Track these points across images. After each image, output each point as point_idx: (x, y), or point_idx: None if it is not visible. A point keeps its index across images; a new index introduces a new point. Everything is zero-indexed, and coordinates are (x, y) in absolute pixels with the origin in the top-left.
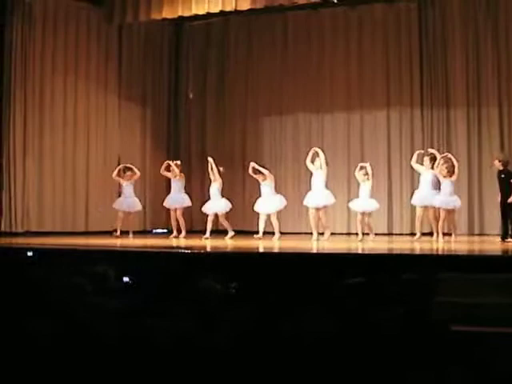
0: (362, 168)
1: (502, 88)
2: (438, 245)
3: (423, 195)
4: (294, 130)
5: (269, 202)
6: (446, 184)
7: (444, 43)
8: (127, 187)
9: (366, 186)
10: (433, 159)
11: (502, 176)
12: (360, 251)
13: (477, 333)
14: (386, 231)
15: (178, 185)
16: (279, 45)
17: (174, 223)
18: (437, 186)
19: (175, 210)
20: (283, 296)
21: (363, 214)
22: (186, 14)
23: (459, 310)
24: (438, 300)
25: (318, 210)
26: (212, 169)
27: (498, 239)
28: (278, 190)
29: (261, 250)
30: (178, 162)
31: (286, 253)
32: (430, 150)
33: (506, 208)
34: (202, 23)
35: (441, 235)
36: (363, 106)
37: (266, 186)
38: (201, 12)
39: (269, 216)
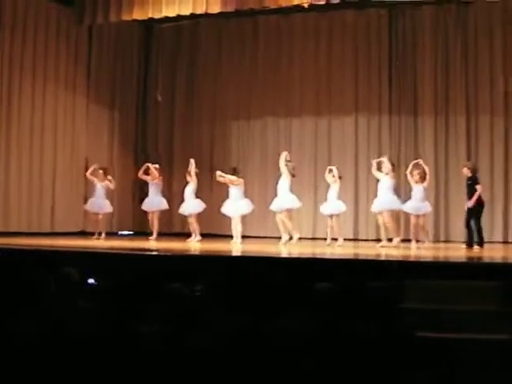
0: (330, 171)
1: (469, 96)
2: (404, 251)
3: (381, 202)
4: (261, 134)
5: (236, 206)
6: (418, 190)
7: (413, 50)
8: (100, 188)
9: (334, 189)
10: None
11: (469, 182)
12: (326, 256)
13: (442, 339)
14: (351, 236)
15: (154, 188)
16: (249, 49)
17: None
18: (397, 191)
19: (152, 212)
20: (250, 299)
21: (331, 216)
22: (157, 15)
23: (425, 317)
24: (404, 306)
25: (281, 213)
26: (191, 170)
27: (464, 246)
28: (245, 193)
29: (227, 253)
30: (157, 166)
31: (253, 257)
32: (381, 158)
33: (473, 214)
34: (173, 25)
35: (413, 241)
36: (331, 112)
37: (235, 189)
38: (171, 14)
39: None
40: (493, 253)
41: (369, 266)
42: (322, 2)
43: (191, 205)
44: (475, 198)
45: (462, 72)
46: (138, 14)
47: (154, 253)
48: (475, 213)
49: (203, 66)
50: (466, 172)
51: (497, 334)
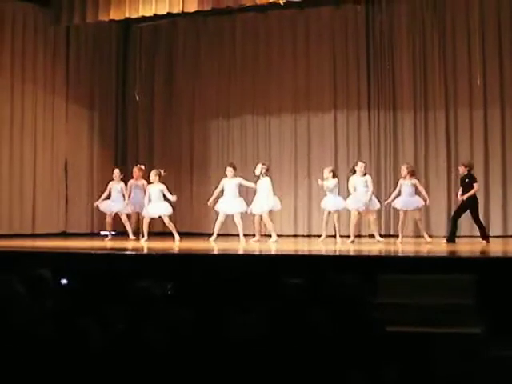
0: (334, 175)
1: (448, 91)
2: (382, 246)
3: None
4: (241, 133)
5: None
6: (406, 186)
7: (391, 46)
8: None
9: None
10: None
11: (466, 180)
12: (299, 253)
13: (413, 333)
14: (333, 233)
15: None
16: (227, 47)
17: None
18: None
19: (137, 213)
20: (223, 296)
21: (329, 212)
22: (134, 15)
23: (397, 312)
24: (377, 301)
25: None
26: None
27: (444, 241)
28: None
29: (200, 251)
30: (142, 167)
31: (225, 254)
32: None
33: (466, 209)
34: (150, 25)
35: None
36: (310, 109)
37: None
38: (148, 14)
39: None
40: (465, 247)
41: (342, 261)
42: None
43: (160, 207)
44: (471, 193)
45: (440, 66)
46: (115, 14)
47: (124, 252)
48: (470, 208)
49: (182, 64)
50: (463, 170)
51: (470, 328)
